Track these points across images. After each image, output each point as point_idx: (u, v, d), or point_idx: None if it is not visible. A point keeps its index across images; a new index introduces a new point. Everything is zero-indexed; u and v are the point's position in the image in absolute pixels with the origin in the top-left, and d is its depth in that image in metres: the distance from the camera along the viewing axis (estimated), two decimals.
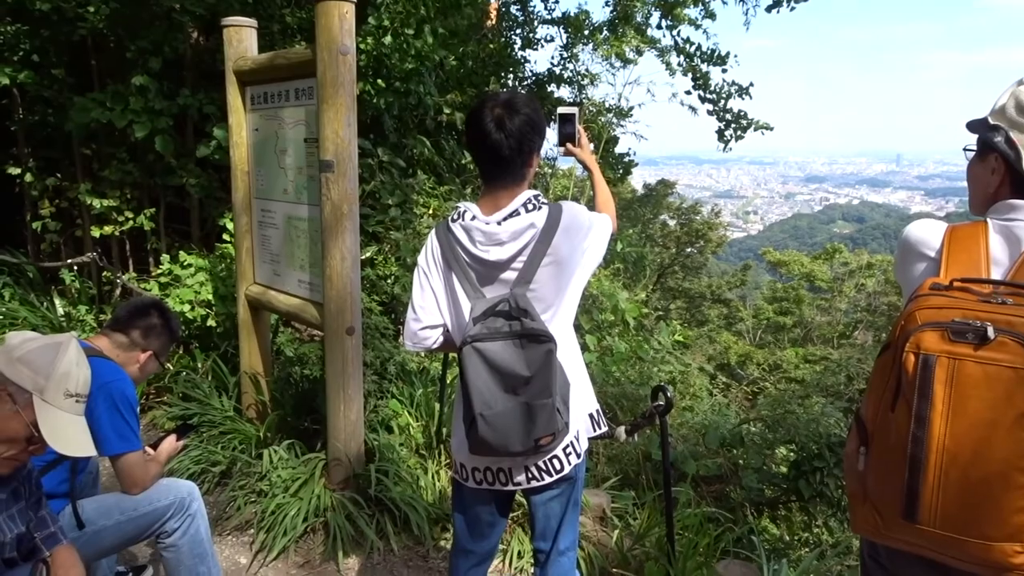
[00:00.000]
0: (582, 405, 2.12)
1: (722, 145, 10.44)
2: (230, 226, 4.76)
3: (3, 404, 1.68)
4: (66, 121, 4.88)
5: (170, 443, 2.59)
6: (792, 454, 4.88)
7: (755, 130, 10.32)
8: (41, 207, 5.40)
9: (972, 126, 1.59)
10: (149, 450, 2.53)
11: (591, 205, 2.30)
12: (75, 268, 5.41)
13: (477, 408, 1.86)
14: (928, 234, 1.56)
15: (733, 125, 10.22)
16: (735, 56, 9.75)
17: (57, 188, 5.45)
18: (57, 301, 4.99)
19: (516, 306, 1.87)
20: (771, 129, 10.40)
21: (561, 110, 2.38)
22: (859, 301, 21.96)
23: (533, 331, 1.84)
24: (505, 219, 1.94)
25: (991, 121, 1.53)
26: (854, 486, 1.50)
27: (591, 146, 2.48)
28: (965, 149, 1.65)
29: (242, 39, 3.74)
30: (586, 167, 2.47)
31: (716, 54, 9.80)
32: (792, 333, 22.28)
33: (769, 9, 9.30)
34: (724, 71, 9.91)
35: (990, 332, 1.26)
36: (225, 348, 4.64)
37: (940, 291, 1.37)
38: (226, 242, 4.97)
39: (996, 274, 1.42)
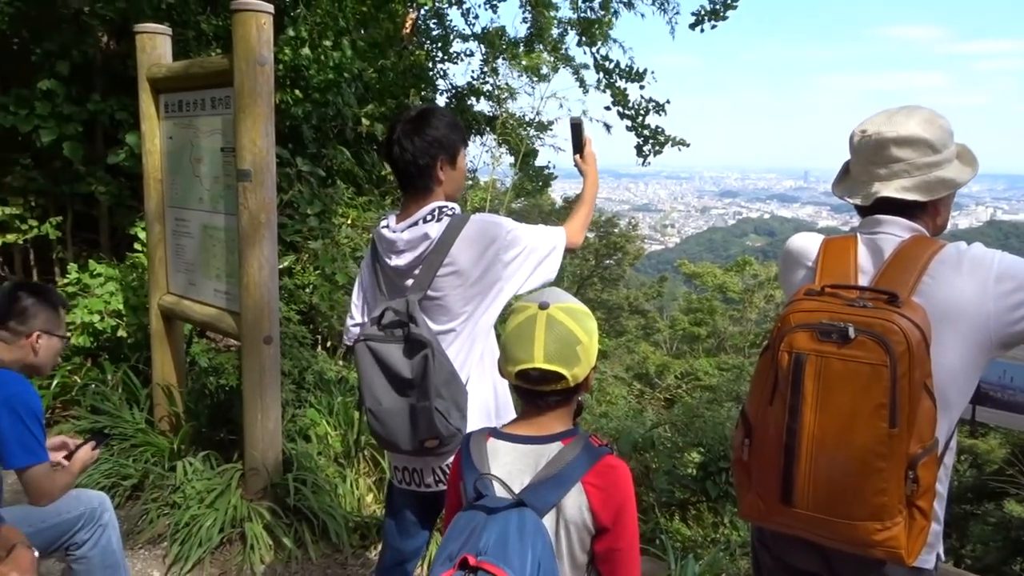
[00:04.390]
0: (496, 414, 2.18)
1: (641, 160, 10.70)
2: (142, 235, 4.66)
3: None
4: None
5: (86, 452, 2.51)
6: (701, 456, 5.08)
7: (672, 146, 10.59)
8: None
9: None
10: (62, 460, 2.48)
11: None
12: None
13: (367, 403, 1.99)
14: (806, 245, 1.73)
15: (651, 141, 10.49)
16: (652, 73, 10.05)
17: None
18: None
19: (405, 311, 1.97)
20: (688, 145, 10.68)
21: (571, 119, 2.43)
22: (768, 311, 22.76)
23: (414, 337, 1.94)
24: (407, 228, 2.03)
25: None
26: (740, 475, 1.63)
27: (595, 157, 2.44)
28: None
29: (156, 46, 3.70)
30: (584, 178, 2.44)
31: (634, 71, 10.07)
32: (706, 343, 22.92)
33: (692, 27, 9.58)
34: (642, 87, 10.16)
35: (851, 332, 1.40)
36: (136, 359, 4.53)
37: (812, 296, 1.52)
38: (137, 251, 4.85)
39: (863, 281, 1.57)
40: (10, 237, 5.03)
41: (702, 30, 9.52)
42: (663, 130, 10.39)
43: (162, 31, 3.74)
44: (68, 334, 2.53)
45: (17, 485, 2.34)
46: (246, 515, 3.32)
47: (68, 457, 2.50)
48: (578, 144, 2.40)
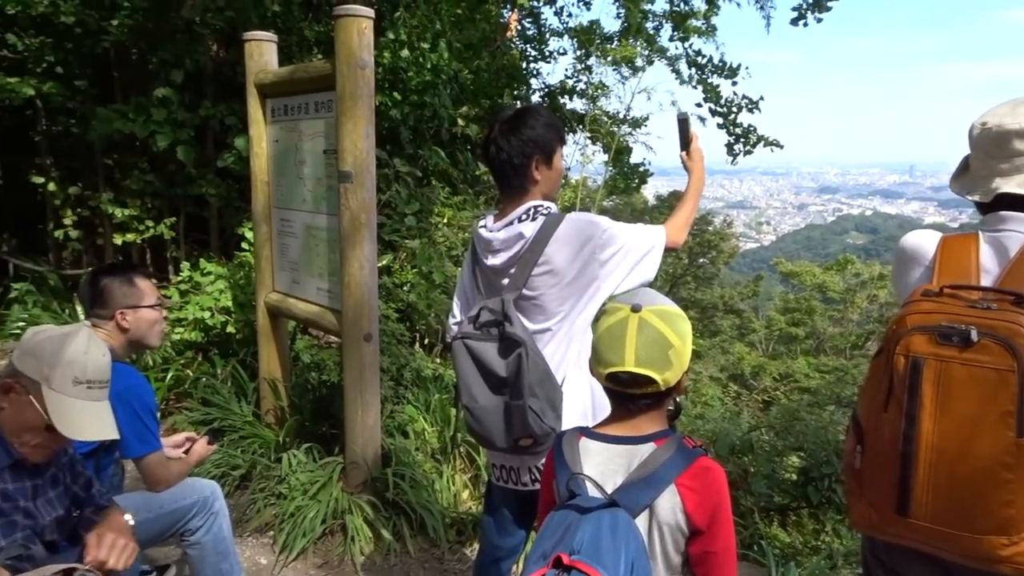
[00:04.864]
0: (592, 415, 2.16)
1: (731, 159, 10.45)
2: (249, 235, 4.86)
3: (19, 395, 1.71)
4: (88, 132, 4.99)
5: (202, 445, 2.68)
6: (801, 461, 4.91)
7: (764, 146, 10.29)
8: (63, 216, 5.52)
9: None
10: (181, 454, 2.62)
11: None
12: None
13: (464, 400, 2.02)
14: (922, 244, 1.63)
15: (742, 140, 10.21)
16: (746, 68, 9.77)
17: (79, 197, 5.57)
18: (78, 308, 5.09)
19: (501, 311, 1.98)
20: (781, 147, 10.31)
21: (677, 115, 2.40)
22: (871, 312, 21.84)
23: (509, 336, 1.95)
24: (502, 228, 2.04)
25: None
26: (851, 483, 1.56)
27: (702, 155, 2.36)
28: None
29: (263, 53, 3.83)
30: (689, 174, 2.37)
31: (727, 66, 9.82)
32: (804, 344, 22.19)
33: (794, 22, 9.19)
34: (734, 83, 9.90)
35: (973, 335, 1.32)
36: (244, 354, 4.72)
37: (930, 297, 1.44)
38: (245, 250, 5.06)
39: (986, 282, 1.48)
40: (129, 237, 5.34)
41: (806, 24, 9.10)
42: (755, 128, 10.09)
43: (268, 38, 3.87)
44: (158, 303, 2.58)
45: (137, 473, 2.48)
46: (347, 507, 3.40)
47: (187, 451, 2.65)
48: (684, 140, 2.34)
